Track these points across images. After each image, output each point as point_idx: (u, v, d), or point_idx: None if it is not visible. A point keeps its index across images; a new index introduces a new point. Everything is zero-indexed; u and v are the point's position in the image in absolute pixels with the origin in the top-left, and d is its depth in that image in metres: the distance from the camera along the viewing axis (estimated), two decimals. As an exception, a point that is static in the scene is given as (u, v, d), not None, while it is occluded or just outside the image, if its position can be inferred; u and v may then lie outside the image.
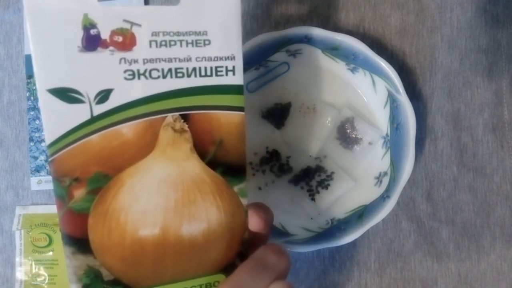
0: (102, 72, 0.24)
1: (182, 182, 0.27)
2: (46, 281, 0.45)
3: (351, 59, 0.40)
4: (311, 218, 0.42)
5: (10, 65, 0.46)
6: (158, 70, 0.25)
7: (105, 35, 0.24)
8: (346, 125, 0.42)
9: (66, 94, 0.24)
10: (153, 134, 0.26)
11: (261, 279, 0.25)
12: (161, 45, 0.25)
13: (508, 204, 0.43)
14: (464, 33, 0.43)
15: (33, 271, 0.45)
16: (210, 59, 0.26)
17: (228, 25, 0.26)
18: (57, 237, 0.45)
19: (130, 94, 0.25)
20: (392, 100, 0.40)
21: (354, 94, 0.42)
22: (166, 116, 0.26)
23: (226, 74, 0.27)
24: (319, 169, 0.42)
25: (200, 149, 0.27)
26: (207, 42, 0.26)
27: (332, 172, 0.42)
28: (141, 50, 0.25)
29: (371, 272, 0.44)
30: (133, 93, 0.25)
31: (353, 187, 0.42)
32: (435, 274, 0.44)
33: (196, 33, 0.26)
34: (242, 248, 0.29)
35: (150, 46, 0.25)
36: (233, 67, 0.27)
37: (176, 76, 0.26)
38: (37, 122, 0.45)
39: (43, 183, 0.45)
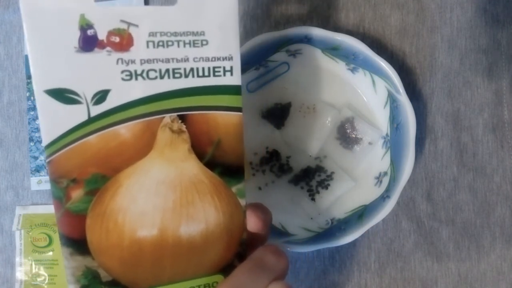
0: (99, 72, 0.24)
1: (180, 183, 0.27)
2: (46, 281, 0.45)
3: (351, 59, 0.39)
4: (311, 218, 0.42)
5: (10, 65, 0.46)
6: (155, 71, 0.25)
7: (102, 36, 0.24)
8: (346, 125, 0.42)
9: (63, 95, 0.24)
10: (151, 134, 0.26)
11: (260, 280, 0.25)
12: (158, 45, 0.25)
13: (508, 204, 0.43)
14: (464, 33, 0.43)
15: (33, 271, 0.45)
16: (207, 59, 0.26)
17: (226, 25, 0.26)
18: (57, 237, 0.45)
19: (128, 94, 0.25)
20: (392, 100, 0.39)
21: (354, 94, 0.42)
22: (164, 117, 0.26)
23: (224, 75, 0.27)
24: (319, 169, 0.42)
25: (198, 150, 0.27)
26: (204, 43, 0.26)
27: (332, 172, 0.42)
28: (138, 51, 0.25)
29: (371, 272, 0.44)
30: (131, 94, 0.25)
31: (353, 187, 0.42)
32: (435, 274, 0.43)
33: (193, 33, 0.26)
34: (240, 248, 0.29)
35: (148, 46, 0.25)
36: (231, 67, 0.27)
37: (174, 77, 0.26)
38: (37, 122, 0.45)
39: (43, 183, 0.45)
